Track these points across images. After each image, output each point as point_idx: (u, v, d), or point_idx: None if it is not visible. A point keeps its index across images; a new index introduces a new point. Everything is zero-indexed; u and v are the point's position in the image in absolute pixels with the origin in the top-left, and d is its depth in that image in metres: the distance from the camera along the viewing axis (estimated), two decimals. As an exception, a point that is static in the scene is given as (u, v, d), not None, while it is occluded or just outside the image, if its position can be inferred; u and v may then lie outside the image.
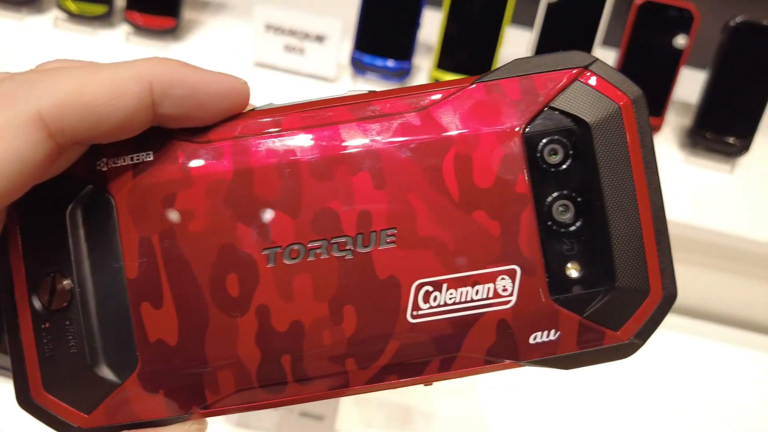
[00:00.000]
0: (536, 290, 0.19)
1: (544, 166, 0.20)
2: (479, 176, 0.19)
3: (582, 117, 0.19)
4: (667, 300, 0.20)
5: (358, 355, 0.19)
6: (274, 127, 0.20)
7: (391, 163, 0.19)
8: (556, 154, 0.20)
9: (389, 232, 0.19)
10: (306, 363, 0.19)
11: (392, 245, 0.19)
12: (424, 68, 0.68)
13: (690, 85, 0.65)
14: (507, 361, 0.20)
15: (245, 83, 0.20)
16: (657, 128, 0.63)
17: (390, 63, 0.64)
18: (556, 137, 0.20)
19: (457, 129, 0.19)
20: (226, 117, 0.20)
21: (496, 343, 0.19)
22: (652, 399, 0.55)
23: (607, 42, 0.63)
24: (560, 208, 0.20)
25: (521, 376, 0.55)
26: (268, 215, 0.19)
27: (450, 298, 0.19)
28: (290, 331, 0.19)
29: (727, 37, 0.61)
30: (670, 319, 0.62)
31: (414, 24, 0.63)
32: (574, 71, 0.20)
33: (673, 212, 0.59)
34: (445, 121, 0.19)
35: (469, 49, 0.64)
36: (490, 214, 0.19)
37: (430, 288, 0.19)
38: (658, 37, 0.62)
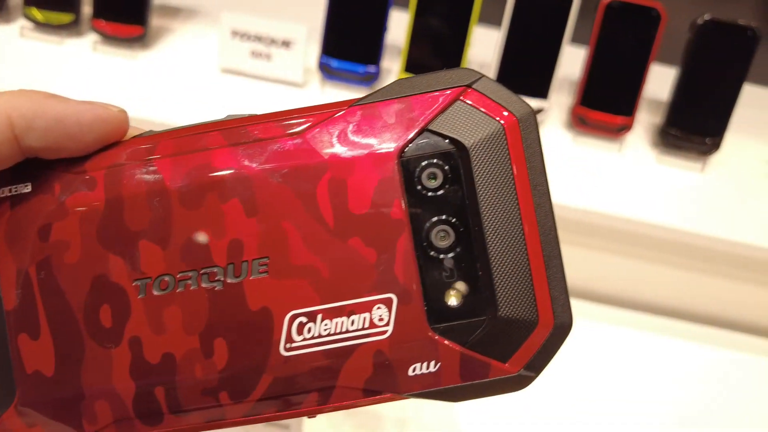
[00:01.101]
0: (414, 320, 0.19)
1: (422, 190, 0.19)
2: (354, 202, 0.19)
3: (459, 139, 0.19)
4: (560, 330, 0.19)
5: (230, 389, 0.19)
6: (147, 155, 0.19)
7: (263, 189, 0.19)
8: (434, 178, 0.19)
9: (261, 261, 0.19)
10: (180, 395, 0.19)
11: (264, 275, 0.19)
12: (392, 71, 0.68)
13: (661, 82, 0.64)
14: (387, 394, 0.19)
15: (119, 111, 0.20)
16: (628, 128, 0.63)
17: (358, 67, 0.64)
18: (433, 161, 0.19)
19: (332, 154, 0.19)
20: (101, 146, 0.20)
21: (373, 375, 0.19)
22: (633, 397, 0.54)
23: (576, 40, 0.63)
24: (439, 234, 0.19)
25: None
26: (139, 245, 0.19)
27: (325, 330, 0.19)
28: (162, 364, 0.19)
29: (694, 35, 0.60)
30: (646, 319, 0.61)
31: (381, 27, 0.63)
32: (456, 90, 0.19)
33: (644, 213, 0.58)
34: (319, 146, 0.19)
35: (437, 51, 0.64)
36: (366, 241, 0.19)
37: (303, 319, 0.19)
38: (626, 35, 0.62)
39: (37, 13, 0.67)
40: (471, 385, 0.19)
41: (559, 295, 0.19)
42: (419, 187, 0.19)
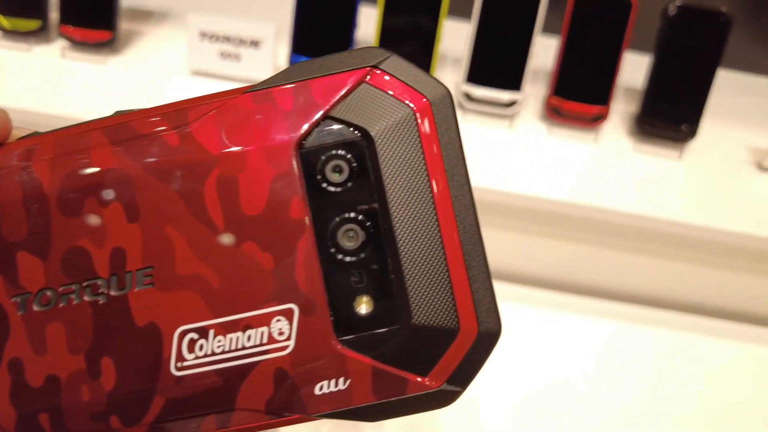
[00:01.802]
0: (318, 332, 0.17)
1: (325, 185, 0.17)
2: (247, 202, 0.17)
3: (364, 126, 0.17)
4: (486, 337, 0.17)
5: (121, 412, 0.18)
6: (26, 159, 0.18)
7: (145, 191, 0.17)
8: (339, 171, 0.17)
9: (145, 271, 0.17)
10: (67, 421, 0.17)
11: (150, 287, 0.17)
12: (365, 68, 0.67)
13: (637, 70, 0.64)
14: (293, 415, 0.17)
15: (1, 112, 0.18)
16: (603, 117, 0.62)
17: (329, 65, 0.63)
18: (337, 152, 0.17)
19: (220, 148, 0.17)
20: None
21: (276, 396, 0.17)
22: (614, 387, 0.54)
23: (548, 30, 0.62)
24: (346, 235, 0.17)
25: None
26: (17, 258, 0.17)
27: (218, 347, 0.17)
28: (46, 387, 0.17)
29: (665, 22, 0.60)
30: (625, 309, 0.61)
31: (350, 23, 0.62)
32: (361, 72, 0.17)
33: (622, 203, 0.58)
34: (206, 140, 0.17)
35: (408, 46, 0.63)
36: (261, 245, 0.17)
37: (194, 335, 0.17)
38: (598, 24, 0.61)
39: (3, 21, 0.67)
40: (387, 403, 0.17)
41: (483, 298, 0.17)
42: (322, 182, 0.17)
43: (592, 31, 0.61)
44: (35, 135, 0.18)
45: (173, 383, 0.17)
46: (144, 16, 0.74)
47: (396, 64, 0.17)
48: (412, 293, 0.17)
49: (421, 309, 0.17)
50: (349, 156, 0.17)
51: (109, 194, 0.17)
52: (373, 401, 0.17)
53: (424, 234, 0.17)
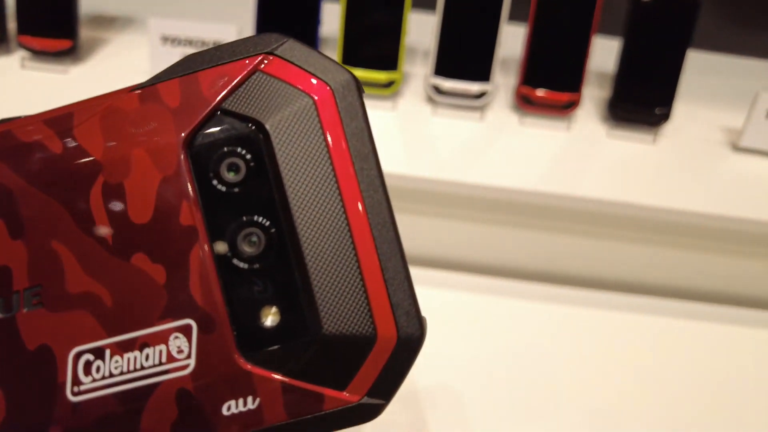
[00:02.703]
0: (220, 348, 0.16)
1: (220, 186, 0.16)
2: (135, 209, 0.16)
3: (258, 118, 0.16)
4: (407, 343, 0.16)
5: None
6: None
7: (29, 203, 0.16)
8: (234, 170, 0.16)
9: (33, 291, 0.16)
10: None
11: (39, 307, 0.16)
12: (332, 65, 0.66)
13: (608, 55, 0.63)
14: None
15: None
16: (575, 104, 0.61)
17: (294, 63, 0.62)
18: (231, 148, 0.16)
19: (104, 152, 0.16)
20: None
21: (180, 418, 0.16)
22: (598, 374, 0.53)
23: (515, 18, 0.61)
24: (246, 240, 0.16)
25: (449, 372, 0.53)
26: None
27: (116, 368, 0.16)
28: None
29: (634, 5, 0.59)
30: (604, 297, 0.60)
31: (314, 20, 0.61)
32: (253, 59, 0.16)
33: (597, 189, 0.57)
34: (89, 145, 0.16)
35: (373, 41, 0.62)
36: (152, 256, 0.16)
37: (90, 357, 0.16)
38: (565, 9, 0.60)
39: (-40, 34, 0.65)
40: (302, 421, 0.16)
41: (402, 301, 0.16)
42: (216, 183, 0.16)
43: (560, 17, 0.60)
44: None
45: (70, 411, 0.16)
46: (105, 22, 0.73)
47: (294, 49, 0.16)
48: (321, 301, 0.16)
49: (332, 317, 0.16)
50: (244, 152, 0.16)
51: None
52: (287, 420, 0.16)
53: (332, 235, 0.15)
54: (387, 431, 0.49)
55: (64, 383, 0.16)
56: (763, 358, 0.55)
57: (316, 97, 0.16)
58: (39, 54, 0.65)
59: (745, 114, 0.59)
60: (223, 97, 0.16)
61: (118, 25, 0.73)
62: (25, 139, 0.16)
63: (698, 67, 0.65)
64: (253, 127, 0.16)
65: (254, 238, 0.16)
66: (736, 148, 0.61)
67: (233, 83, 0.16)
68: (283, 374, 0.16)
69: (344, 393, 0.16)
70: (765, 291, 0.63)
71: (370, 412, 0.16)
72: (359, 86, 0.16)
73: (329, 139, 0.16)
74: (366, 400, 0.16)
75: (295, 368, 0.16)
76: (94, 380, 0.16)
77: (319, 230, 0.15)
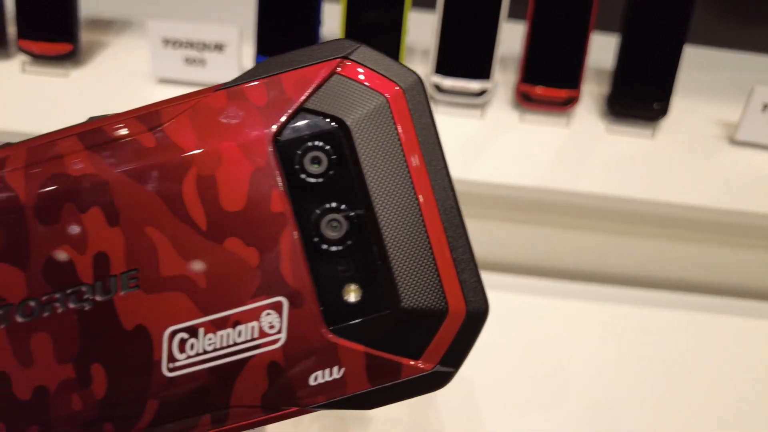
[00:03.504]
0: (309, 323, 0.17)
1: (305, 177, 0.17)
2: (227, 198, 0.17)
3: (339, 116, 0.17)
4: (475, 317, 0.17)
5: (115, 419, 0.17)
6: None
7: (124, 194, 0.17)
8: (318, 162, 0.17)
9: (130, 274, 0.17)
10: None
11: (136, 289, 0.17)
12: (333, 65, 0.66)
13: (606, 51, 0.64)
14: (290, 408, 0.17)
15: None
16: (574, 100, 0.62)
17: (296, 64, 0.62)
18: (314, 143, 0.17)
19: (196, 146, 0.17)
20: None
21: (270, 390, 0.17)
22: (598, 367, 0.54)
23: (513, 15, 0.62)
24: (329, 225, 0.17)
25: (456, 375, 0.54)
26: None
27: (209, 345, 0.17)
28: (35, 399, 0.17)
29: (631, 1, 0.59)
30: (606, 290, 0.61)
31: (315, 21, 0.62)
32: (331, 63, 0.17)
33: (598, 185, 0.58)
34: (181, 139, 0.17)
35: (374, 41, 0.62)
36: (245, 240, 0.17)
37: (184, 335, 0.17)
38: (563, 6, 0.61)
39: (-40, 39, 0.65)
40: (382, 388, 0.17)
41: (469, 278, 0.17)
42: (301, 174, 0.17)
43: (558, 15, 0.61)
44: (7, 146, 0.18)
45: (166, 385, 0.17)
46: (104, 25, 0.73)
47: (366, 54, 0.18)
48: (399, 278, 0.17)
49: (409, 293, 0.17)
50: (326, 147, 0.17)
51: (87, 199, 0.17)
52: (369, 388, 0.17)
53: (407, 219, 0.17)
54: (398, 423, 0.50)
55: (159, 360, 0.17)
56: (759, 348, 0.56)
57: (388, 97, 0.17)
58: (39, 58, 0.65)
59: (742, 108, 0.60)
60: (306, 97, 0.17)
61: (117, 28, 0.73)
62: (118, 134, 0.17)
63: (695, 62, 0.66)
64: (334, 124, 0.17)
65: (336, 223, 0.17)
66: (733, 141, 0.62)
67: (314, 85, 0.17)
68: (365, 345, 0.17)
69: (419, 362, 0.17)
70: (761, 282, 0.64)
71: (441, 380, 0.17)
72: (423, 86, 0.18)
73: (401, 133, 0.17)
74: (438, 368, 0.17)
75: (376, 340, 0.17)
76: (189, 357, 0.17)
77: (395, 215, 0.17)
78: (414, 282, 0.17)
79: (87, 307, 0.17)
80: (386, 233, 0.17)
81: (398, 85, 0.17)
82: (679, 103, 0.63)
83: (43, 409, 0.17)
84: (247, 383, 0.17)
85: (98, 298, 0.17)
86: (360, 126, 0.17)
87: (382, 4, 0.61)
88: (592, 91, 0.66)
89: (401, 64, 0.18)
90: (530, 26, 0.61)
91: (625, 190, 0.58)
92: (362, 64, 0.18)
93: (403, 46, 0.62)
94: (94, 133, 0.17)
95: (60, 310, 0.17)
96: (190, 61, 0.62)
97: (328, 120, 0.17)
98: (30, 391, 0.17)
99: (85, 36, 0.68)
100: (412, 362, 0.17)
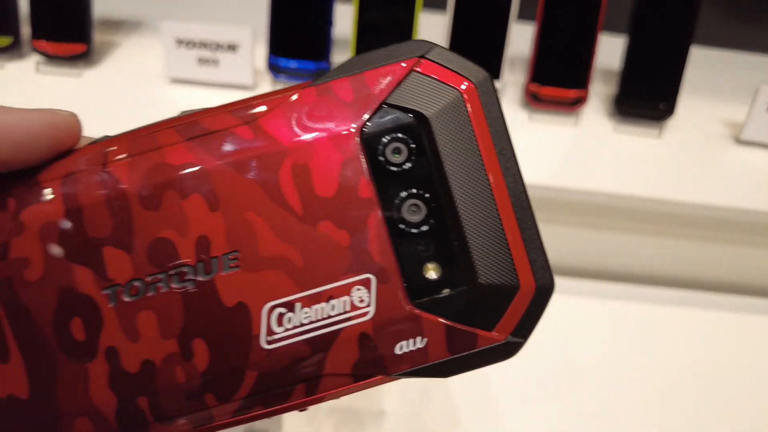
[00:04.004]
0: (394, 297, 0.18)
1: (388, 166, 0.19)
2: (320, 185, 0.18)
3: (420, 110, 0.19)
4: (543, 292, 0.19)
5: (216, 389, 0.19)
6: (102, 160, 0.19)
7: (223, 181, 0.18)
8: (399, 152, 0.19)
9: (231, 255, 0.18)
10: (163, 402, 0.19)
11: (236, 269, 0.18)
12: (344, 65, 0.67)
13: (614, 52, 0.65)
14: (377, 376, 0.19)
15: (71, 115, 0.19)
16: (583, 100, 0.63)
17: (308, 64, 0.63)
18: (396, 135, 0.19)
19: (291, 138, 0.18)
20: (55, 154, 0.19)
21: (360, 359, 0.19)
22: (609, 366, 0.55)
23: (523, 16, 0.63)
24: (410, 209, 0.19)
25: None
26: (103, 253, 0.18)
27: (305, 318, 0.18)
28: (142, 372, 0.18)
29: (638, 2, 0.60)
30: (612, 288, 0.62)
31: (326, 22, 0.62)
32: (409, 62, 0.19)
33: (605, 183, 0.59)
34: (276, 132, 0.18)
35: (384, 41, 0.63)
36: (337, 223, 0.18)
37: (282, 310, 0.18)
38: (572, 7, 0.62)
39: (-26, 39, 0.66)
40: (460, 357, 0.19)
41: (537, 257, 0.19)
42: (385, 163, 0.19)
43: (567, 16, 0.62)
44: (105, 139, 0.19)
45: (264, 357, 0.18)
46: (117, 26, 0.74)
47: (440, 53, 0.19)
48: (475, 257, 0.18)
49: (484, 270, 0.18)
50: (406, 138, 0.19)
51: (188, 187, 0.18)
52: (448, 357, 0.19)
53: (481, 203, 0.18)
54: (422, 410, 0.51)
55: (258, 334, 0.18)
56: (764, 344, 0.57)
57: (462, 91, 0.19)
58: (53, 58, 0.66)
59: (747, 108, 0.61)
60: (388, 93, 0.19)
61: (128, 28, 0.74)
62: (215, 127, 0.19)
63: (701, 62, 0.67)
64: (413, 117, 0.19)
65: (416, 208, 0.19)
66: (738, 141, 0.63)
67: (395, 82, 0.19)
68: (445, 318, 0.19)
69: (493, 333, 0.19)
70: (765, 279, 0.65)
71: (511, 350, 0.19)
72: (492, 81, 0.19)
73: (475, 124, 0.19)
74: (510, 339, 0.19)
75: (455, 313, 0.19)
76: (286, 330, 0.18)
77: (470, 199, 0.18)
78: (489, 260, 0.18)
79: (189, 287, 0.18)
80: (463, 216, 0.18)
81: (470, 81, 0.19)
82: (685, 102, 0.64)
83: (150, 380, 0.18)
84: (340, 353, 0.19)
85: (200, 278, 0.18)
86: (438, 119, 0.18)
87: (394, 4, 0.62)
88: (600, 91, 0.67)
89: (471, 62, 0.19)
90: (539, 27, 0.62)
91: (632, 188, 0.59)
92: (437, 63, 0.19)
93: (413, 47, 0.62)
94: (191, 127, 0.19)
95: (164, 290, 0.18)
96: (203, 61, 0.63)
97: (408, 114, 0.19)
98: (138, 364, 0.18)
99: (97, 36, 0.68)
100: (486, 333, 0.19)
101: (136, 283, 0.18)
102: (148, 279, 0.18)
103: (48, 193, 0.18)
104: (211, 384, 0.19)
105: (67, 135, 0.19)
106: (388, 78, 0.19)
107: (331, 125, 0.18)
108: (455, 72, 0.19)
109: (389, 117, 0.19)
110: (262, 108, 0.19)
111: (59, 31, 0.65)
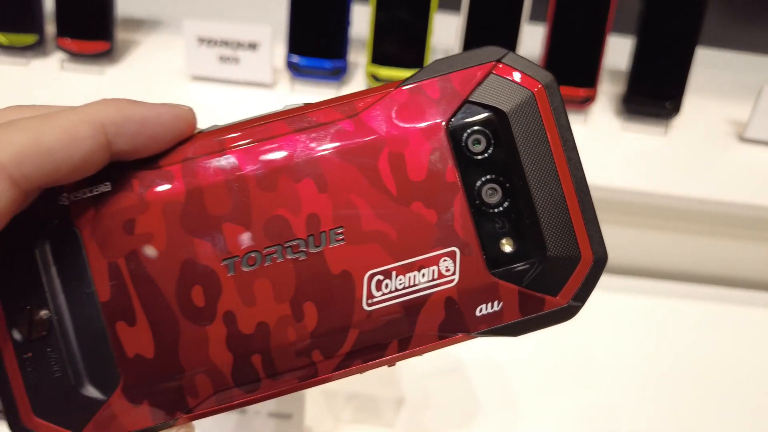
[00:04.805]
0: (475, 267, 0.21)
1: (470, 155, 0.21)
2: (412, 171, 0.21)
3: (498, 107, 0.21)
4: (599, 263, 0.22)
5: (322, 347, 0.21)
6: (219, 147, 0.21)
7: (330, 167, 0.21)
8: (479, 143, 0.21)
9: (337, 230, 0.21)
10: (275, 359, 0.21)
11: (341, 242, 0.21)
12: (360, 64, 0.69)
13: (621, 52, 0.67)
14: (459, 335, 0.21)
15: (190, 109, 0.21)
16: (592, 99, 0.65)
17: (325, 63, 0.65)
18: (477, 128, 0.21)
19: (388, 131, 0.21)
20: (176, 143, 0.21)
21: (446, 320, 0.21)
22: (618, 358, 0.56)
23: (534, 18, 0.65)
24: (488, 192, 0.21)
25: (479, 360, 0.56)
26: (223, 228, 0.21)
27: (400, 284, 0.21)
28: (257, 333, 0.21)
29: (645, 4, 0.62)
30: (618, 282, 0.64)
31: (344, 22, 0.64)
32: (488, 65, 0.21)
33: (613, 179, 0.61)
34: (375, 125, 0.21)
35: (400, 41, 0.65)
36: (426, 203, 0.21)
37: (380, 277, 0.21)
38: (582, 8, 0.64)
39: (0, 37, 0.67)
40: (529, 318, 0.21)
41: (595, 233, 0.21)
42: (467, 152, 0.21)
43: (576, 17, 0.64)
44: (215, 128, 0.22)
45: (365, 317, 0.21)
46: (138, 24, 0.75)
47: (513, 58, 0.22)
48: (545, 233, 0.21)
49: (552, 244, 0.21)
50: (486, 131, 0.21)
51: (300, 171, 0.21)
52: (519, 318, 0.21)
53: (549, 186, 0.21)
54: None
55: (360, 298, 0.21)
56: (762, 337, 0.59)
57: (534, 91, 0.21)
58: (77, 56, 0.67)
59: (751, 107, 0.63)
60: (470, 92, 0.21)
61: (149, 26, 0.75)
62: (321, 120, 0.21)
63: (706, 62, 0.69)
64: (492, 113, 0.21)
65: (494, 191, 0.22)
66: (742, 138, 0.65)
67: (476, 82, 0.21)
68: (518, 285, 0.21)
69: (558, 298, 0.22)
70: (766, 273, 0.67)
71: (572, 312, 0.22)
72: (557, 83, 0.22)
73: (544, 120, 0.21)
74: (571, 303, 0.22)
75: (527, 280, 0.21)
76: (383, 294, 0.21)
77: (540, 183, 0.21)
78: (556, 236, 0.21)
79: (301, 258, 0.21)
80: (534, 198, 0.21)
81: (540, 83, 0.21)
82: (690, 101, 0.66)
83: (264, 340, 0.21)
84: (429, 314, 0.21)
85: (311, 250, 0.21)
86: (514, 114, 0.21)
87: (409, 6, 0.64)
88: (609, 90, 0.69)
89: (540, 66, 0.22)
90: (550, 28, 0.64)
91: (639, 183, 0.61)
92: (512, 66, 0.21)
93: (428, 47, 0.64)
94: (299, 119, 0.21)
95: (278, 261, 0.21)
96: (224, 59, 0.65)
97: (488, 110, 0.21)
98: (253, 326, 0.21)
99: (119, 35, 0.70)
100: (552, 298, 0.21)
101: (253, 255, 0.21)
102: (265, 251, 0.21)
103: (170, 176, 0.21)
104: (318, 342, 0.21)
105: (188, 126, 0.21)
106: (471, 79, 0.21)
107: (422, 119, 0.21)
108: (527, 75, 0.21)
109: (472, 112, 0.21)
110: (362, 104, 0.21)
111: (83, 29, 0.67)
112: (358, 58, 0.69)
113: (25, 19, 0.67)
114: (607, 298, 0.62)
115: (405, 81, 0.21)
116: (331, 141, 0.21)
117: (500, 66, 0.21)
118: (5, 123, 0.19)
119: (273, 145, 0.21)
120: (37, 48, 0.68)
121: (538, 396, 0.53)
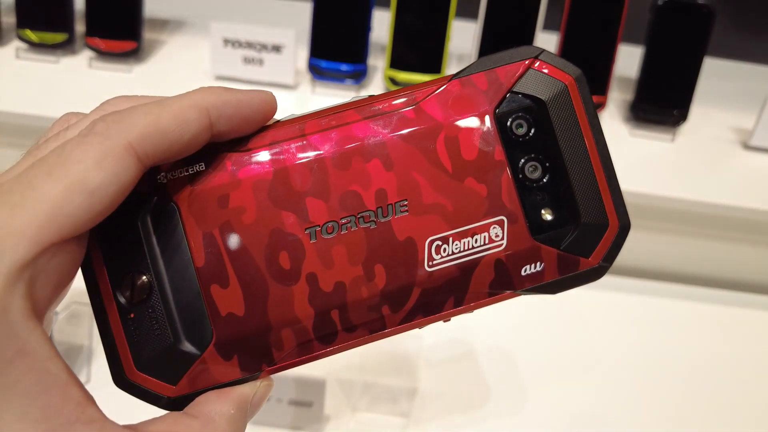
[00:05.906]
0: (520, 233, 0.24)
1: (514, 137, 0.24)
2: (465, 151, 0.24)
3: (538, 96, 0.24)
4: (624, 229, 0.25)
5: (390, 303, 0.24)
6: (300, 132, 0.24)
7: (396, 149, 0.24)
8: (522, 127, 0.24)
9: (402, 203, 0.24)
10: (350, 314, 0.24)
11: (405, 213, 0.24)
12: (379, 68, 0.71)
13: (631, 61, 0.69)
14: (507, 292, 0.24)
15: (272, 94, 0.24)
16: (602, 105, 0.67)
17: (345, 66, 0.67)
18: (520, 114, 0.24)
19: (444, 117, 0.24)
20: (261, 126, 0.24)
21: (495, 279, 0.24)
22: (621, 356, 0.59)
23: (548, 27, 0.67)
24: (530, 168, 0.24)
25: (491, 352, 0.59)
26: (306, 202, 0.24)
27: (456, 248, 0.24)
28: (335, 291, 0.24)
29: (655, 15, 0.65)
30: (625, 282, 0.66)
31: (365, 27, 0.67)
32: (527, 61, 0.24)
33: (621, 183, 0.62)
34: (433, 112, 0.24)
35: (419, 46, 0.67)
36: (478, 179, 0.24)
37: (439, 242, 0.24)
38: (594, 18, 0.66)
39: (31, 34, 0.70)
40: (566, 277, 0.25)
41: (620, 204, 0.24)
42: (512, 135, 0.24)
43: (589, 25, 0.66)
44: (293, 117, 0.25)
45: (426, 277, 0.24)
46: (164, 25, 0.78)
47: (548, 55, 0.25)
48: (579, 203, 0.24)
49: (585, 213, 0.24)
50: (527, 116, 0.25)
51: (370, 152, 0.24)
52: (558, 277, 0.25)
53: (582, 164, 0.24)
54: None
55: (422, 260, 0.24)
56: (761, 336, 0.61)
57: (567, 83, 0.24)
58: (105, 54, 0.70)
59: (756, 116, 0.66)
60: (513, 83, 0.24)
61: (174, 27, 0.78)
62: (387, 109, 0.24)
63: (713, 72, 0.71)
64: (532, 101, 0.25)
65: (535, 168, 0.25)
66: (747, 146, 0.67)
67: (518, 75, 0.25)
68: (557, 248, 0.24)
69: (590, 259, 0.25)
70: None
71: (602, 272, 0.25)
72: (585, 77, 0.25)
73: (576, 108, 0.25)
74: (601, 263, 0.25)
75: (564, 244, 0.25)
76: (442, 257, 0.24)
77: (574, 161, 0.24)
78: (588, 206, 0.24)
79: (371, 227, 0.24)
80: (570, 173, 0.24)
81: (571, 76, 0.25)
82: (697, 110, 0.68)
83: (341, 297, 0.24)
84: (481, 274, 0.24)
85: (380, 219, 0.24)
86: (551, 102, 0.24)
87: (428, 12, 0.66)
88: (618, 97, 0.71)
89: (570, 63, 0.25)
90: (563, 37, 0.66)
91: (647, 188, 0.63)
92: (547, 62, 0.25)
93: (446, 52, 0.67)
94: (367, 108, 0.24)
95: (353, 229, 0.24)
96: (248, 60, 0.67)
97: (528, 99, 0.25)
98: (332, 285, 0.24)
99: (146, 34, 0.72)
100: (585, 260, 0.25)
101: (331, 224, 0.24)
102: (341, 221, 0.24)
103: (260, 156, 0.24)
104: (387, 298, 0.24)
105: (272, 109, 0.24)
106: (513, 73, 0.24)
107: (473, 107, 0.24)
108: (560, 69, 0.25)
109: (515, 101, 0.24)
110: (421, 95, 0.24)
111: (112, 29, 0.69)
112: (377, 62, 0.72)
113: (56, 18, 0.70)
114: (611, 298, 0.64)
115: (457, 74, 0.25)
116: (396, 126, 0.24)
117: (537, 62, 0.24)
118: (128, 108, 0.21)
119: (346, 131, 0.24)
120: (67, 46, 0.70)
121: (549, 389, 0.56)
